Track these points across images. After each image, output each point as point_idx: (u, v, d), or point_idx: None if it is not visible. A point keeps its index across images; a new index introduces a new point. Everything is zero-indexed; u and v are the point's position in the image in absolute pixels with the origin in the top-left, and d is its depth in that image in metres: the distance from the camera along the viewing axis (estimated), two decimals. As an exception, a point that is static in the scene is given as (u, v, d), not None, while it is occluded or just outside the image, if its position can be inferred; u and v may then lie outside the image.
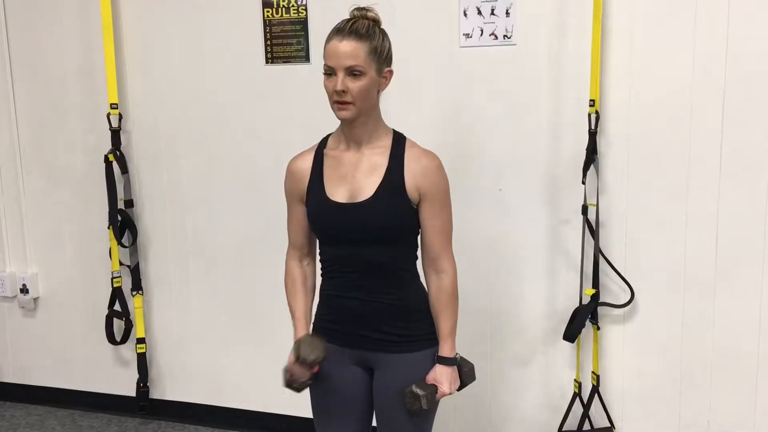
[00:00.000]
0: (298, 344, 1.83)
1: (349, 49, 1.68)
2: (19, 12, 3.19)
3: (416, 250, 1.87)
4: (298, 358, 1.79)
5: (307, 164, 1.86)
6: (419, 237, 1.85)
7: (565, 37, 2.49)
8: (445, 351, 1.83)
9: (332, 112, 1.75)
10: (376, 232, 1.75)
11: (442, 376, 1.82)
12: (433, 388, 1.80)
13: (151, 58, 3.04)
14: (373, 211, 1.74)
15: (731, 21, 2.31)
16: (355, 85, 1.69)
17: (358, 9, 1.76)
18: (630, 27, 2.41)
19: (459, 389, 1.90)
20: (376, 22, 1.76)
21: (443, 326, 1.83)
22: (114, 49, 2.97)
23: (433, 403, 1.80)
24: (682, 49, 2.38)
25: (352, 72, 1.69)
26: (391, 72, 1.80)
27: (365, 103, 1.73)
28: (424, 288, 1.89)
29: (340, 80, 1.68)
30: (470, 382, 1.92)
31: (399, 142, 1.81)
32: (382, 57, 1.74)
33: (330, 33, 1.73)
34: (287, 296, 1.97)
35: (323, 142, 1.89)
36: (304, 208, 1.87)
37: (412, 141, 1.83)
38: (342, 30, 1.70)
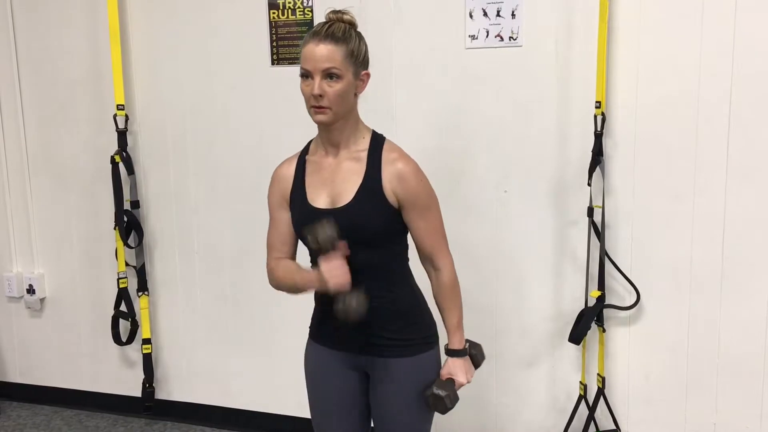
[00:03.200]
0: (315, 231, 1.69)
1: (326, 52, 1.67)
2: (26, 14, 3.21)
3: (405, 250, 1.86)
4: (318, 242, 1.67)
5: (290, 171, 1.86)
6: (408, 237, 1.84)
7: (571, 39, 2.49)
8: (454, 344, 1.85)
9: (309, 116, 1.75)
10: (359, 236, 1.73)
11: (456, 368, 1.84)
12: (453, 384, 1.82)
13: (157, 60, 3.05)
14: (353, 216, 1.73)
15: (738, 22, 2.30)
16: (332, 89, 1.68)
17: (334, 12, 1.76)
18: (636, 28, 2.41)
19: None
20: (352, 25, 1.76)
21: (449, 320, 1.85)
22: (121, 51, 2.98)
23: (457, 398, 1.82)
24: (688, 50, 2.37)
25: (329, 75, 1.68)
26: (368, 75, 1.79)
27: (342, 107, 1.72)
28: (417, 289, 1.88)
29: (317, 84, 1.68)
30: (483, 361, 1.96)
31: (377, 144, 1.79)
32: (358, 60, 1.73)
33: (306, 36, 1.72)
34: (284, 279, 1.85)
35: (306, 148, 1.89)
36: (287, 216, 1.85)
37: (391, 143, 1.81)
38: (318, 33, 1.70)
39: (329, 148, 1.81)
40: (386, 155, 1.77)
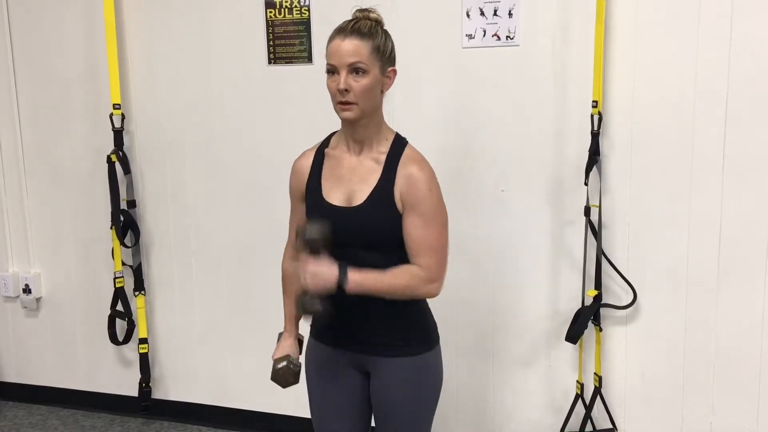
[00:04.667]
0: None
1: (352, 47, 1.67)
2: (22, 13, 3.20)
3: None
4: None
5: (308, 163, 1.86)
6: None
7: (568, 38, 2.49)
8: (350, 271, 1.68)
9: (335, 112, 1.75)
10: (367, 238, 1.73)
11: (320, 264, 1.67)
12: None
13: (154, 59, 3.04)
14: (363, 218, 1.73)
15: (734, 22, 2.31)
16: (358, 84, 1.68)
17: (361, 10, 1.76)
18: (633, 28, 2.41)
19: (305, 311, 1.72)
20: (378, 22, 1.76)
21: (376, 271, 1.70)
22: (117, 50, 2.98)
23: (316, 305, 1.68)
24: (685, 49, 2.37)
25: (355, 70, 1.68)
26: (394, 71, 1.79)
27: (368, 103, 1.71)
28: None
29: (343, 79, 1.67)
30: (310, 310, 1.70)
31: (398, 147, 1.78)
32: (385, 56, 1.73)
33: (332, 33, 1.73)
34: (282, 294, 2.03)
35: (326, 141, 1.89)
36: (304, 208, 1.87)
37: (412, 148, 1.80)
38: (344, 29, 1.70)
39: (352, 145, 1.80)
40: (404, 160, 1.76)
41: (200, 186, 3.06)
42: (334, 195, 1.78)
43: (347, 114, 1.71)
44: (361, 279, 1.69)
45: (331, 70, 1.70)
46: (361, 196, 1.75)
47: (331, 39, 1.72)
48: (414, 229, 1.73)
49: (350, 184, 1.77)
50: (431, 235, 1.74)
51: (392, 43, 1.78)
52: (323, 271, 1.67)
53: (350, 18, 1.75)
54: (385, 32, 1.76)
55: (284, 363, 1.95)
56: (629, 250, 2.52)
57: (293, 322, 2.02)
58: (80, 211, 3.26)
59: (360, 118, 1.72)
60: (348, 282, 1.68)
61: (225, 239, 3.07)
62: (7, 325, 3.51)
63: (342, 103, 1.70)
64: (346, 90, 1.67)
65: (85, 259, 3.30)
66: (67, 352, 3.42)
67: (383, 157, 1.77)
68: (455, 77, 2.64)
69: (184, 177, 3.08)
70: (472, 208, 2.67)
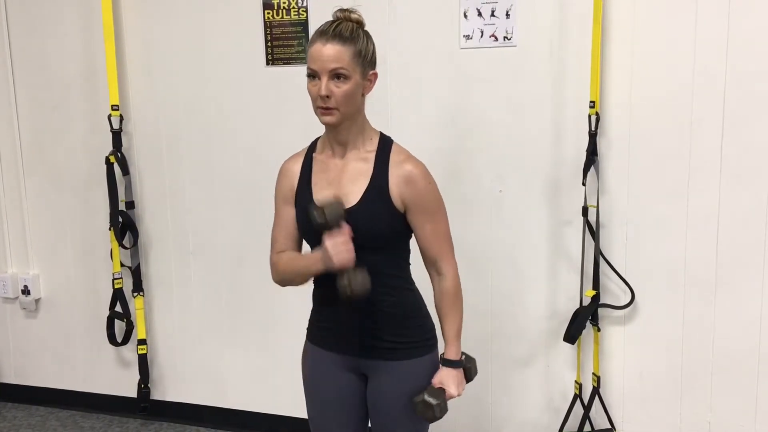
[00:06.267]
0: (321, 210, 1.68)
1: (333, 52, 1.66)
2: (21, 14, 3.20)
3: (408, 255, 1.85)
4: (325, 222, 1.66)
5: (297, 167, 1.84)
6: (411, 242, 1.83)
7: (565, 38, 2.49)
8: (450, 354, 1.81)
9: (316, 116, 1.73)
10: (362, 239, 1.71)
11: (448, 379, 1.80)
12: (444, 394, 1.78)
13: (152, 60, 3.04)
14: (358, 219, 1.71)
15: (732, 21, 2.31)
16: (339, 90, 1.67)
17: (342, 11, 1.74)
18: (630, 27, 2.41)
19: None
20: (359, 24, 1.74)
21: (448, 329, 1.82)
22: (115, 51, 2.98)
23: (446, 409, 1.78)
24: (682, 49, 2.38)
25: (336, 75, 1.67)
26: (375, 75, 1.77)
27: (349, 108, 1.70)
28: (418, 293, 1.87)
29: (324, 84, 1.66)
30: (475, 376, 1.91)
31: (385, 146, 1.78)
32: (366, 60, 1.72)
33: (313, 35, 1.70)
34: (288, 268, 1.83)
35: (313, 145, 1.87)
36: (292, 211, 1.84)
37: (399, 146, 1.80)
38: (326, 33, 1.68)
39: (336, 148, 1.79)
40: (394, 157, 1.75)
41: (199, 187, 3.07)
42: None
43: (328, 119, 1.70)
44: (458, 343, 1.83)
45: (312, 75, 1.69)
46: (353, 198, 1.74)
47: (312, 42, 1.70)
48: (424, 225, 1.77)
49: (339, 187, 1.76)
50: (441, 226, 1.79)
51: (373, 45, 1.76)
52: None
53: (331, 19, 1.73)
54: (366, 34, 1.74)
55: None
56: (627, 250, 2.53)
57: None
58: (79, 213, 3.26)
59: (341, 122, 1.72)
60: (461, 356, 1.83)
61: (223, 240, 3.07)
62: (6, 327, 3.51)
63: (323, 108, 1.69)
64: (328, 96, 1.67)
65: (84, 260, 3.30)
66: (65, 353, 3.42)
67: (372, 156, 1.76)
68: (453, 78, 2.64)
69: (182, 178, 3.08)
70: (469, 208, 2.67)
